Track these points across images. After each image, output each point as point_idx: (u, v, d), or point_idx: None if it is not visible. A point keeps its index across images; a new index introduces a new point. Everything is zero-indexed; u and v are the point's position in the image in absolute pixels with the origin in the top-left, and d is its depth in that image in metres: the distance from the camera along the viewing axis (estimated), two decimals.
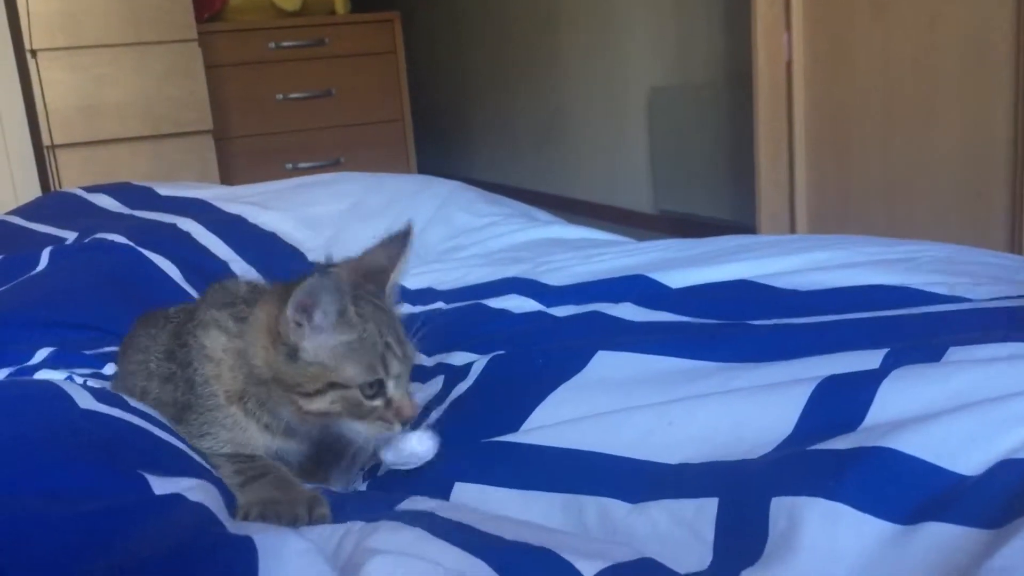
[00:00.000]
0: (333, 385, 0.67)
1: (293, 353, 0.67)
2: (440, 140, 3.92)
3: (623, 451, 0.62)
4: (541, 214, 1.41)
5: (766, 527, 0.49)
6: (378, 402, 0.68)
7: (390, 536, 0.55)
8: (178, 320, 0.77)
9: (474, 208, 1.37)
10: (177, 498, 0.55)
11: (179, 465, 0.62)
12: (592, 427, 0.65)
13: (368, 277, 0.73)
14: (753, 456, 0.56)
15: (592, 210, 2.92)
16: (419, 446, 0.71)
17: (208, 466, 0.68)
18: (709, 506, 0.53)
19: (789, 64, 2.02)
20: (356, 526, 0.59)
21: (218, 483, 0.64)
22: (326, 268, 0.65)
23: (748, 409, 0.60)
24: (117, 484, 0.56)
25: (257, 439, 0.72)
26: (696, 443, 0.59)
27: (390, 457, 0.71)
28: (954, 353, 0.58)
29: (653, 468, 0.59)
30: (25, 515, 0.50)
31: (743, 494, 0.52)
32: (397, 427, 0.69)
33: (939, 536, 0.44)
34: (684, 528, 0.53)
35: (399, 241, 0.76)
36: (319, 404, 0.67)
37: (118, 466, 0.58)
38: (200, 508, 0.54)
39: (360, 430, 0.69)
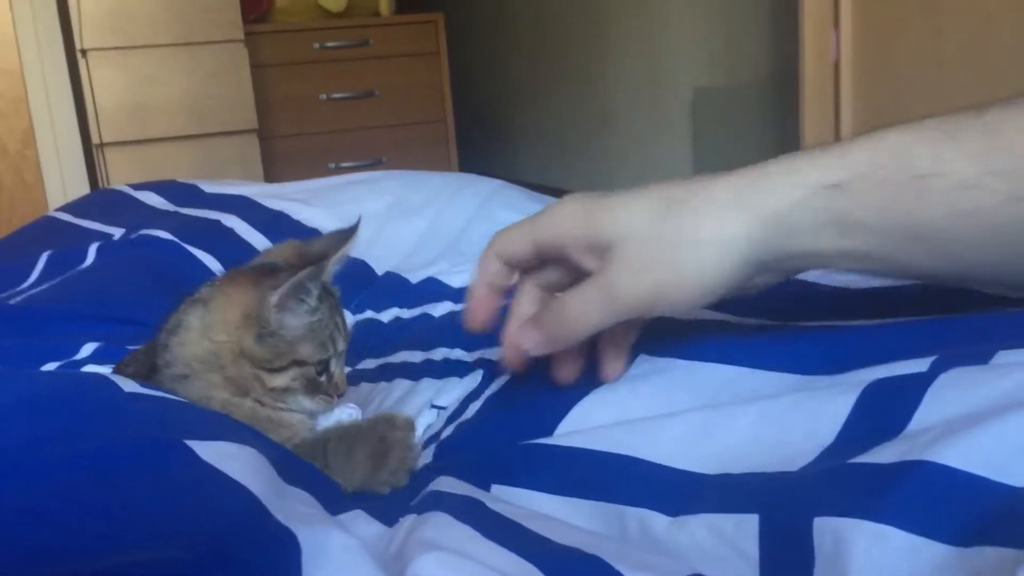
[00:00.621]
0: (296, 363, 0.71)
1: (264, 335, 0.70)
2: (482, 141, 3.93)
3: (662, 459, 0.60)
4: None
5: (812, 548, 0.47)
6: (323, 378, 0.73)
7: (439, 532, 0.54)
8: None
9: (517, 205, 1.36)
10: (220, 477, 0.54)
11: (221, 430, 0.62)
12: (631, 432, 0.63)
13: (304, 260, 0.76)
14: (793, 468, 0.53)
15: None
16: (354, 411, 0.76)
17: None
18: (749, 522, 0.51)
19: (837, 64, 1.99)
20: (407, 520, 0.58)
21: (265, 446, 0.64)
22: (321, 263, 0.70)
23: (792, 418, 0.58)
24: (161, 458, 0.56)
25: (291, 423, 0.73)
26: (737, 454, 0.57)
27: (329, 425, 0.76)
28: (1002, 356, 0.56)
29: (692, 479, 0.57)
30: (69, 503, 0.50)
31: (784, 511, 0.50)
32: (334, 400, 0.74)
33: (996, 559, 0.41)
34: (726, 544, 0.51)
35: (346, 232, 0.79)
36: (282, 380, 0.71)
37: (162, 439, 0.58)
38: (244, 492, 0.54)
39: (307, 404, 0.73)
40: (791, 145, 2.12)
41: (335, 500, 0.63)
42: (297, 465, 0.67)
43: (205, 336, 0.72)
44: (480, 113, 3.92)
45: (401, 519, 0.59)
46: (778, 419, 0.57)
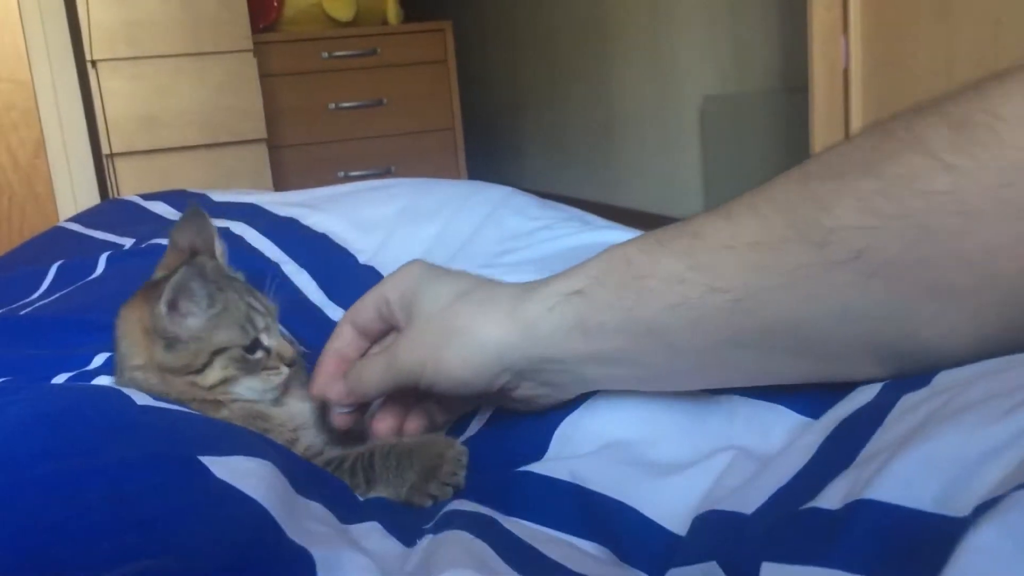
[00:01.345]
0: (216, 352, 0.71)
1: (172, 342, 0.70)
2: (491, 149, 3.93)
3: (645, 508, 0.59)
4: (595, 219, 1.39)
5: None
6: (259, 354, 0.72)
7: (458, 549, 0.54)
8: None
9: (526, 211, 1.36)
10: (235, 494, 0.54)
11: (234, 443, 0.62)
12: (617, 471, 0.63)
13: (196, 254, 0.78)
14: (747, 510, 0.53)
15: (644, 220, 2.91)
16: None
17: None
18: (713, 571, 0.51)
19: (847, 71, 1.98)
20: (424, 542, 0.58)
21: (279, 457, 0.63)
22: (192, 260, 0.70)
23: (771, 462, 0.57)
24: (176, 475, 0.56)
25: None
26: (707, 499, 0.57)
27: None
28: (943, 377, 0.54)
29: (671, 537, 0.57)
30: (83, 519, 0.50)
31: (735, 558, 0.50)
32: (284, 369, 0.73)
33: None
34: None
35: (197, 220, 0.80)
36: (213, 375, 0.71)
37: (176, 456, 0.58)
38: (259, 511, 0.53)
39: (257, 385, 0.72)
40: (801, 153, 2.12)
41: (351, 510, 0.63)
42: (312, 475, 0.66)
43: (127, 368, 0.73)
44: (489, 121, 3.93)
45: (419, 541, 0.59)
46: (751, 468, 0.57)
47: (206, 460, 0.56)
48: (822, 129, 2.02)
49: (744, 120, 2.50)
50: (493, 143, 3.94)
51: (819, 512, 0.47)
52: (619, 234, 1.32)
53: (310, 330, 0.96)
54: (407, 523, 0.63)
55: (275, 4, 3.19)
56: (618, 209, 3.05)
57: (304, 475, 0.63)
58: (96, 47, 2.62)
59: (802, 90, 2.07)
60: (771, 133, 2.39)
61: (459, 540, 0.56)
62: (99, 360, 0.97)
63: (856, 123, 2.00)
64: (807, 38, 1.99)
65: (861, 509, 0.44)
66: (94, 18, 2.60)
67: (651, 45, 2.86)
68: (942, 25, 1.78)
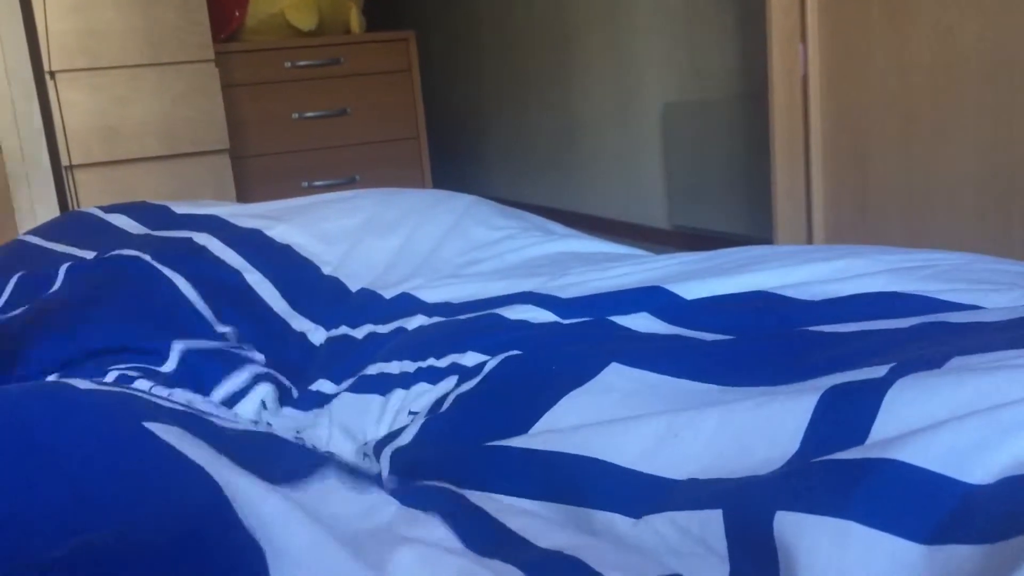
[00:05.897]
0: None
1: None
2: (455, 158, 3.93)
3: (628, 463, 0.61)
4: (558, 227, 1.40)
5: (773, 541, 0.48)
6: None
7: (420, 529, 0.55)
8: None
9: (490, 221, 1.37)
10: (180, 459, 0.54)
11: (175, 416, 0.62)
12: (598, 434, 0.64)
13: None
14: (761, 473, 0.54)
15: (607, 226, 2.92)
16: None
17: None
18: (714, 519, 0.52)
19: (805, 77, 2.01)
20: (392, 507, 0.58)
21: (212, 434, 0.63)
22: None
23: (752, 423, 0.59)
24: (123, 443, 0.55)
25: None
26: (703, 457, 0.58)
27: None
28: (955, 361, 0.57)
29: (657, 482, 0.58)
30: (27, 490, 0.49)
31: (746, 506, 0.51)
32: None
33: (963, 557, 0.42)
34: (695, 542, 0.52)
35: None
36: None
37: (122, 425, 0.58)
38: (211, 483, 0.53)
39: None
40: (761, 157, 2.14)
41: (304, 462, 0.63)
42: (255, 440, 0.66)
43: None
44: (453, 130, 3.93)
45: (377, 491, 0.59)
46: (739, 423, 0.58)
47: (151, 425, 0.57)
48: (782, 134, 2.05)
49: (705, 126, 2.52)
50: (457, 152, 3.94)
51: (831, 462, 0.48)
52: (580, 243, 1.33)
53: (273, 341, 0.96)
54: (362, 475, 0.64)
55: (237, 13, 3.18)
56: (581, 216, 3.06)
57: (248, 442, 0.64)
58: (54, 58, 2.59)
59: (761, 96, 2.09)
60: (732, 139, 2.41)
61: (423, 520, 0.57)
62: (54, 377, 0.97)
63: (815, 127, 2.02)
64: (766, 45, 2.02)
65: (879, 466, 0.46)
66: (52, 28, 2.57)
67: (612, 53, 2.88)
68: (896, 32, 1.81)
